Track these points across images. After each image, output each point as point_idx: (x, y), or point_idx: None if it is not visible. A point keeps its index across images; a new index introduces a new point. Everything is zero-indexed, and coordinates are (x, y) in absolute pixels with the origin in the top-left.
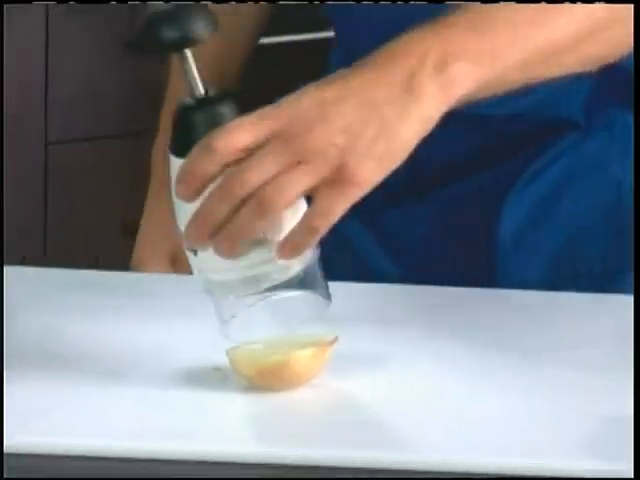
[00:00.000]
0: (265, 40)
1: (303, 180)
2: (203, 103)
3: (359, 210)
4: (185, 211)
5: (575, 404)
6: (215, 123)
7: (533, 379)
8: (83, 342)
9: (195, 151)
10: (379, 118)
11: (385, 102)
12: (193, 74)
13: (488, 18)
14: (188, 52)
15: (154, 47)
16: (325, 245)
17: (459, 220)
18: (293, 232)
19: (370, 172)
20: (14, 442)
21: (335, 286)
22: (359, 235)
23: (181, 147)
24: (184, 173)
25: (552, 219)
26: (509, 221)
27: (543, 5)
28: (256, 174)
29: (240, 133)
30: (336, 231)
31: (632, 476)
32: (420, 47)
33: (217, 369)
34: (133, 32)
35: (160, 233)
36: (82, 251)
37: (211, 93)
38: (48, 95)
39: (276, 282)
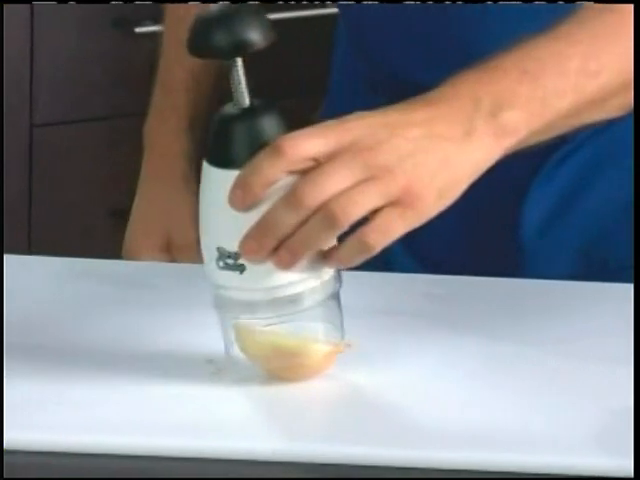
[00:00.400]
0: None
1: (375, 196)
2: (248, 113)
3: None
4: (222, 224)
5: (584, 397)
6: (260, 135)
7: (543, 373)
8: (70, 334)
9: (261, 155)
10: (442, 152)
11: (447, 139)
12: (241, 83)
13: (538, 61)
14: (239, 60)
15: (205, 50)
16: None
17: (479, 213)
18: (344, 246)
19: (430, 202)
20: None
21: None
22: None
23: (222, 158)
24: (245, 178)
25: (578, 210)
26: (533, 212)
27: (592, 48)
28: (330, 185)
29: (311, 140)
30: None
31: (632, 475)
32: (474, 91)
33: (210, 361)
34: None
35: (153, 218)
36: (68, 238)
37: (255, 103)
38: (33, 76)
39: (305, 307)
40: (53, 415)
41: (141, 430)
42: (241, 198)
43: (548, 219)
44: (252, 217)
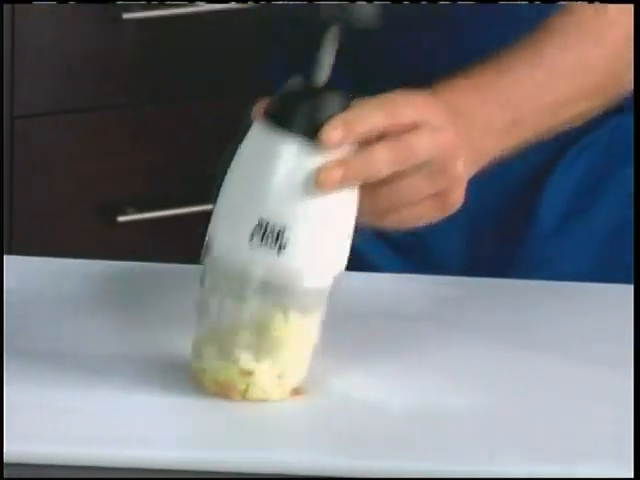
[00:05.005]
0: None
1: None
2: (328, 88)
3: None
4: (272, 194)
5: (589, 403)
6: (339, 110)
7: (549, 377)
8: (52, 338)
9: (367, 104)
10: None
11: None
12: (328, 57)
13: (522, 92)
14: (335, 32)
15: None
16: None
17: (491, 212)
18: (364, 212)
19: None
20: None
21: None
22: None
23: (289, 123)
24: (347, 117)
25: (596, 206)
26: (549, 208)
27: (571, 79)
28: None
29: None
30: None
31: (632, 476)
32: (470, 108)
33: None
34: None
35: None
36: (53, 237)
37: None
38: (14, 64)
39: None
40: (31, 424)
41: (124, 441)
42: (339, 137)
43: (566, 215)
44: (313, 198)
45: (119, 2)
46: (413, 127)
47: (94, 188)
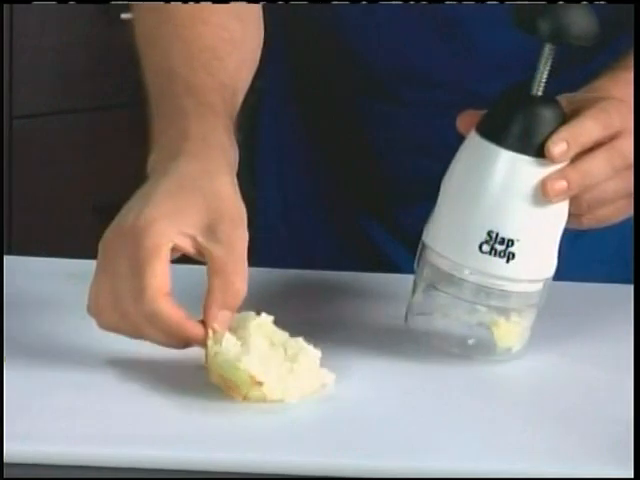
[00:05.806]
0: None
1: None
2: (553, 103)
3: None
4: (504, 208)
5: (585, 404)
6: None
7: (542, 377)
8: (54, 338)
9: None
10: None
11: None
12: (544, 71)
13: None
14: (551, 48)
15: (526, 27)
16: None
17: None
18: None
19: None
20: None
21: (351, 276)
22: (377, 229)
23: (525, 143)
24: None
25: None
26: None
27: None
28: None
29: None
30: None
31: (632, 476)
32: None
33: (202, 368)
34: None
35: (203, 187)
36: (51, 236)
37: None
38: (13, 65)
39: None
40: (31, 424)
41: (124, 441)
42: (564, 151)
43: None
44: (537, 209)
45: (119, 2)
46: (619, 134)
47: (93, 188)
